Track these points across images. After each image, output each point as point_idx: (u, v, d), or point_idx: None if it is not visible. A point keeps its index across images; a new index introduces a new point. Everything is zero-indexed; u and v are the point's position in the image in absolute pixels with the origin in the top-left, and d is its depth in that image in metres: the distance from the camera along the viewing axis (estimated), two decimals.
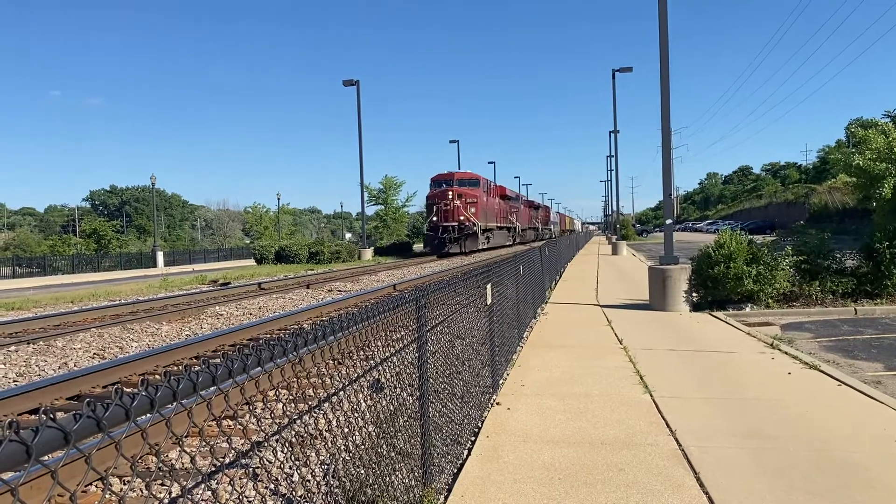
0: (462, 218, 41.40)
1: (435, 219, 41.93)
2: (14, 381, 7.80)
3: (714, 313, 12.68)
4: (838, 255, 14.50)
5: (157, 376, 7.68)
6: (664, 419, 5.77)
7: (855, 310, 13.04)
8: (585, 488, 4.26)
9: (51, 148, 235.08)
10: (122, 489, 4.58)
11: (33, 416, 6.30)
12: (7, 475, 1.23)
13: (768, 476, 4.44)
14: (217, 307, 14.65)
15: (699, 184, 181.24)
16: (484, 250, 44.57)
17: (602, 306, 14.18)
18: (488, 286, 6.59)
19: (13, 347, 9.67)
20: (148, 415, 1.60)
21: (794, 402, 6.30)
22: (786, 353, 8.67)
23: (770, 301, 13.45)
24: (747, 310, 13.14)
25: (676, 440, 5.19)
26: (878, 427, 5.54)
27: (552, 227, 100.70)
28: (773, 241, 15.27)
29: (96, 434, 1.43)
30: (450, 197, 41.92)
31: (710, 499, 4.07)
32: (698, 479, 4.38)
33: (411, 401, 4.07)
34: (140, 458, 4.98)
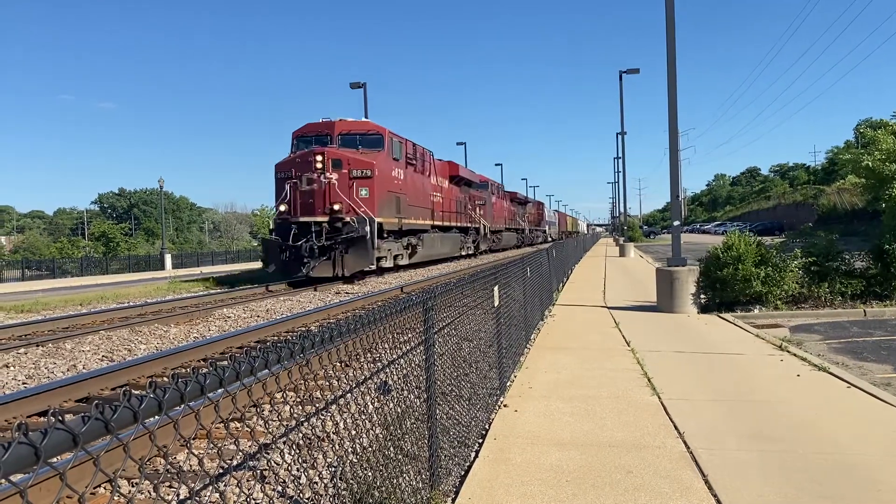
0: (338, 207, 21.73)
1: (284, 208, 22.39)
2: (23, 384, 7.84)
3: (722, 315, 12.63)
4: (847, 257, 14.43)
5: (165, 378, 7.69)
6: (672, 421, 5.75)
7: (864, 311, 12.98)
8: (593, 490, 4.25)
9: (61, 151, 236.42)
10: (130, 491, 4.60)
11: (42, 419, 6.33)
12: (16, 477, 1.24)
13: (777, 479, 4.42)
14: (225, 309, 14.68)
15: (707, 185, 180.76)
16: (400, 269, 26.52)
17: (609, 308, 14.15)
18: (495, 288, 6.59)
19: (22, 350, 9.71)
20: (156, 417, 1.61)
21: (803, 405, 6.27)
22: (795, 355, 8.63)
23: (779, 303, 13.40)
24: (756, 311, 13.10)
25: (685, 442, 5.18)
26: (888, 429, 5.51)
27: (547, 227, 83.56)
28: (782, 242, 15.22)
29: (105, 436, 1.44)
30: (318, 166, 21.97)
31: (718, 501, 4.06)
32: (707, 482, 4.36)
33: (419, 403, 4.07)
34: (148, 459, 5.00)
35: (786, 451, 4.96)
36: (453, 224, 34.32)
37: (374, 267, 22.62)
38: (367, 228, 21.52)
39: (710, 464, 4.68)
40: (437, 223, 30.79)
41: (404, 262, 26.42)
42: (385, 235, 23.72)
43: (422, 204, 28.39)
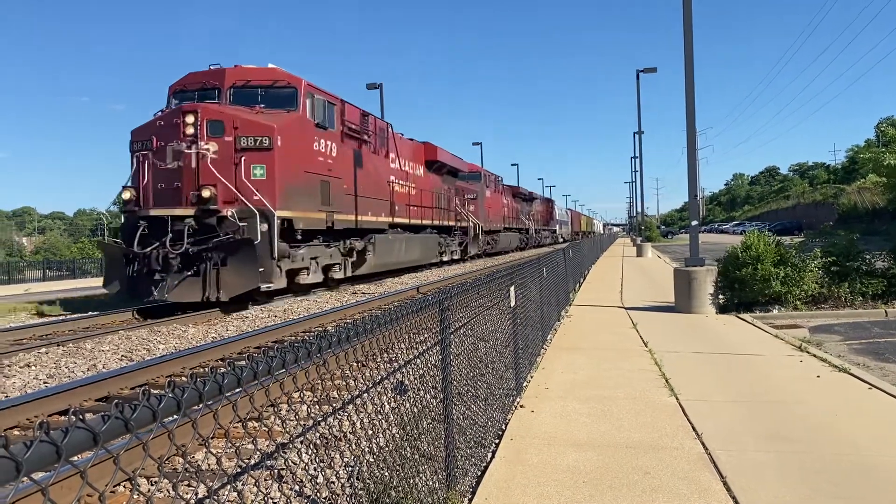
0: (208, 193, 14.22)
1: (130, 196, 14.98)
2: (44, 383, 7.93)
3: (740, 315, 12.53)
4: (868, 257, 14.29)
5: (184, 378, 7.75)
6: (690, 422, 5.72)
7: (886, 312, 12.83)
8: (610, 492, 4.24)
9: (80, 153, 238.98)
10: (149, 489, 4.63)
11: (63, 417, 6.39)
12: (38, 475, 1.25)
13: (796, 481, 4.38)
14: (243, 311, 14.76)
15: (725, 185, 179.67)
16: (342, 284, 20.12)
17: (627, 308, 14.09)
18: (512, 288, 6.58)
19: (44, 349, 9.82)
20: (175, 416, 1.62)
21: (822, 406, 6.21)
22: (814, 355, 8.54)
23: (798, 303, 13.27)
24: (774, 312, 12.99)
25: (703, 444, 5.14)
26: None
27: (558, 227, 76.48)
28: (801, 242, 15.08)
29: (124, 435, 1.45)
30: (189, 131, 14.46)
31: (736, 502, 4.03)
32: (725, 484, 4.33)
33: (435, 403, 4.08)
34: (167, 458, 5.04)
35: (805, 453, 4.91)
36: (430, 222, 27.22)
37: (270, 286, 14.71)
38: (259, 227, 13.98)
39: (729, 465, 4.65)
40: (400, 220, 23.18)
41: (342, 274, 18.91)
42: (300, 238, 16.20)
43: (374, 194, 20.60)
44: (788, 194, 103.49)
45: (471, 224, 34.16)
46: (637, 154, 53.74)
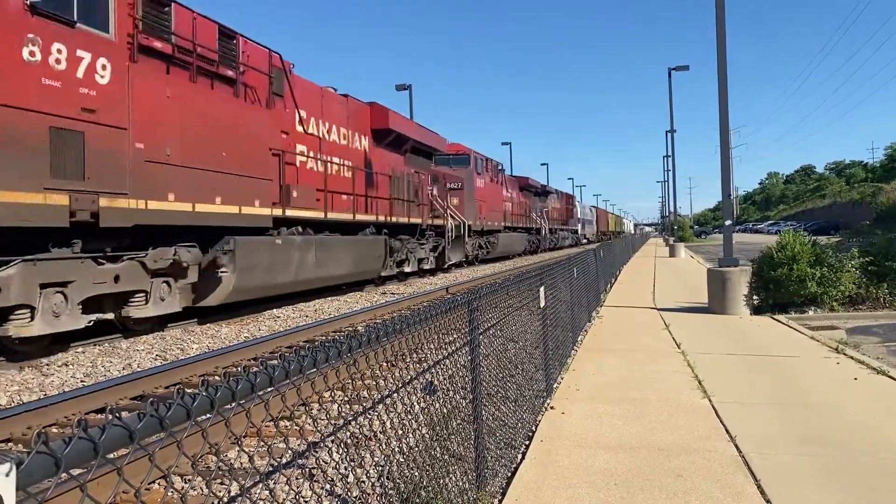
0: None
1: None
2: (81, 381, 8.08)
3: (775, 316, 12.34)
4: None
5: (217, 377, 7.85)
6: (723, 425, 5.65)
7: None
8: (642, 494, 4.20)
9: None
10: (183, 487, 4.70)
11: (100, 415, 6.51)
12: (75, 472, 1.28)
13: (832, 485, 4.30)
14: (274, 310, 14.90)
15: (759, 184, 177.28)
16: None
17: (659, 309, 13.96)
18: (541, 289, 6.56)
19: (80, 349, 10.02)
20: (208, 415, 1.65)
21: (859, 409, 6.09)
22: (851, 357, 8.38)
23: (834, 304, 13.04)
24: (810, 313, 12.77)
25: (736, 446, 5.08)
26: None
27: (580, 226, 67.85)
28: (838, 242, 14.81)
29: (159, 433, 1.48)
30: None
31: None
32: (759, 487, 4.27)
33: (464, 404, 4.08)
34: (200, 457, 5.11)
35: (841, 457, 4.82)
36: (373, 218, 19.20)
37: None
38: None
39: (763, 468, 4.58)
40: (305, 214, 15.31)
41: (154, 311, 11.12)
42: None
43: (236, 167, 12.55)
44: (825, 193, 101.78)
45: (449, 222, 25.66)
46: (669, 153, 53.21)
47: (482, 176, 32.32)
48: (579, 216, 68.16)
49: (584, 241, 66.49)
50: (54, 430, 6.01)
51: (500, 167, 36.83)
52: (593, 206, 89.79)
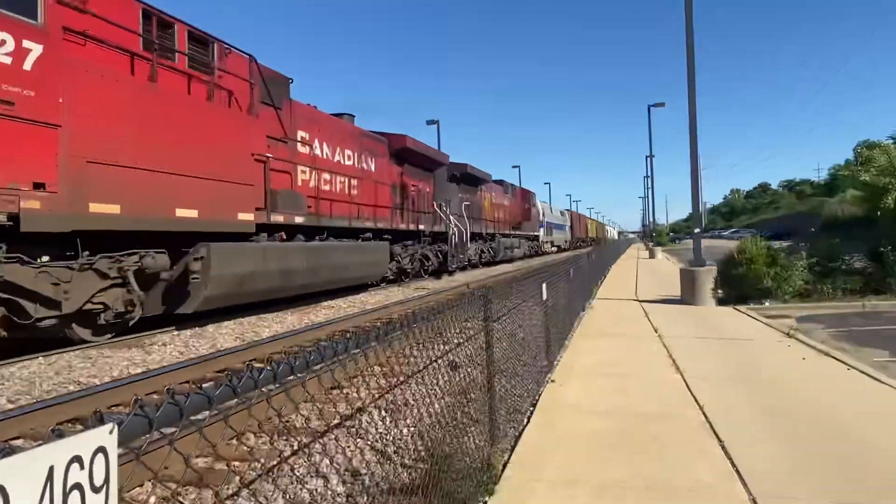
0: None
1: None
2: (176, 358, 8.19)
3: (737, 307, 12.16)
4: (847, 258, 13.80)
5: (282, 355, 7.90)
6: (693, 396, 5.57)
7: (863, 304, 12.30)
8: (625, 452, 4.16)
9: None
10: (254, 443, 4.74)
11: (188, 385, 6.57)
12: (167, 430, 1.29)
13: (783, 444, 4.22)
14: (329, 301, 14.98)
15: (724, 198, 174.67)
16: None
17: (640, 301, 13.81)
18: (543, 285, 6.52)
19: (176, 332, 10.15)
20: (272, 385, 1.66)
21: (807, 384, 5.97)
22: (801, 341, 8.23)
23: (787, 297, 12.84)
24: (766, 304, 12.56)
25: (704, 414, 5.00)
26: (882, 405, 5.21)
27: (543, 232, 44.17)
28: (790, 246, 14.58)
29: (232, 399, 1.49)
30: None
31: (732, 463, 3.91)
32: (723, 447, 4.20)
33: (480, 378, 4.07)
34: (267, 420, 5.14)
35: (791, 422, 4.73)
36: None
37: None
38: None
39: (726, 431, 4.51)
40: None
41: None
42: None
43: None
44: (779, 206, 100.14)
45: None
46: (649, 174, 52.67)
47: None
48: (542, 219, 43.65)
49: (552, 249, 46.49)
50: (154, 396, 6.08)
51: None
52: (567, 210, 65.21)
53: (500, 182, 34.11)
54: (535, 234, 41.03)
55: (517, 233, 35.25)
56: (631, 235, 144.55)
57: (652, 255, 39.26)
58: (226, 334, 10.05)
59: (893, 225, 14.02)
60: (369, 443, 4.45)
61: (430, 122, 37.57)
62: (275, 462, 4.13)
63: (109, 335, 9.02)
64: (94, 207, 7.96)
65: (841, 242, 14.66)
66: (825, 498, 3.37)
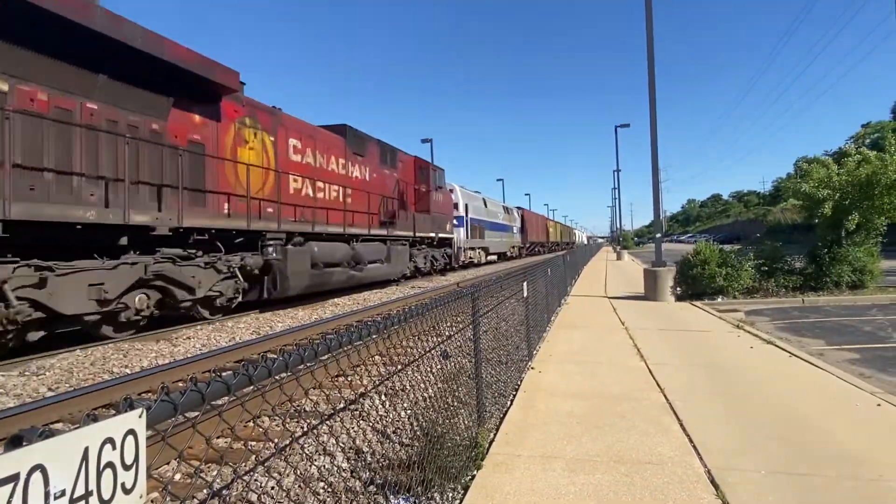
0: None
1: None
2: (199, 350, 8.13)
3: (693, 303, 12.22)
4: (789, 259, 13.91)
5: (292, 347, 7.84)
6: (655, 380, 5.59)
7: (802, 300, 12.41)
8: (596, 429, 4.16)
9: None
10: (268, 425, 4.71)
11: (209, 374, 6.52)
12: (190, 415, 1.28)
13: (734, 421, 4.24)
14: (335, 299, 14.92)
15: (682, 207, 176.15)
16: None
17: (609, 297, 13.85)
18: (524, 283, 6.52)
19: (199, 326, 10.07)
20: (284, 374, 1.65)
21: (755, 369, 6.01)
22: (749, 332, 8.28)
23: (736, 293, 12.92)
24: (719, 300, 12.64)
25: (665, 396, 5.02)
26: (819, 386, 5.24)
27: (461, 231, 26.05)
28: (739, 249, 14.67)
29: (248, 386, 1.48)
30: None
31: (689, 438, 3.92)
32: (681, 424, 4.22)
33: (469, 365, 4.06)
34: (280, 404, 5.11)
35: (741, 402, 4.76)
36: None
37: None
38: None
39: (684, 411, 4.53)
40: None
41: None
42: None
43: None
44: (729, 214, 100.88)
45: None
46: (616, 185, 52.83)
47: None
48: (465, 213, 27.79)
49: (483, 260, 30.85)
50: (179, 384, 6.03)
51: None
52: (518, 208, 45.39)
53: (400, 153, 18.36)
54: (446, 236, 22.89)
55: (397, 233, 17.79)
56: (600, 240, 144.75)
57: (619, 258, 39.33)
58: (243, 328, 9.98)
59: (829, 230, 14.13)
60: (370, 424, 4.43)
61: (425, 141, 37.31)
62: (287, 441, 4.10)
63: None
64: None
65: (783, 246, 14.77)
66: (770, 468, 3.39)
